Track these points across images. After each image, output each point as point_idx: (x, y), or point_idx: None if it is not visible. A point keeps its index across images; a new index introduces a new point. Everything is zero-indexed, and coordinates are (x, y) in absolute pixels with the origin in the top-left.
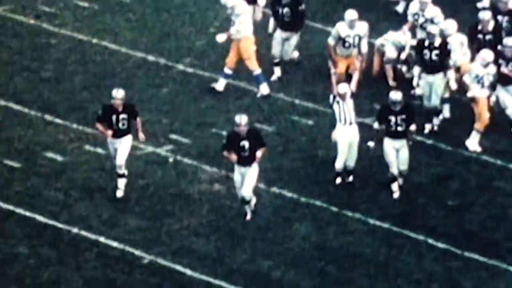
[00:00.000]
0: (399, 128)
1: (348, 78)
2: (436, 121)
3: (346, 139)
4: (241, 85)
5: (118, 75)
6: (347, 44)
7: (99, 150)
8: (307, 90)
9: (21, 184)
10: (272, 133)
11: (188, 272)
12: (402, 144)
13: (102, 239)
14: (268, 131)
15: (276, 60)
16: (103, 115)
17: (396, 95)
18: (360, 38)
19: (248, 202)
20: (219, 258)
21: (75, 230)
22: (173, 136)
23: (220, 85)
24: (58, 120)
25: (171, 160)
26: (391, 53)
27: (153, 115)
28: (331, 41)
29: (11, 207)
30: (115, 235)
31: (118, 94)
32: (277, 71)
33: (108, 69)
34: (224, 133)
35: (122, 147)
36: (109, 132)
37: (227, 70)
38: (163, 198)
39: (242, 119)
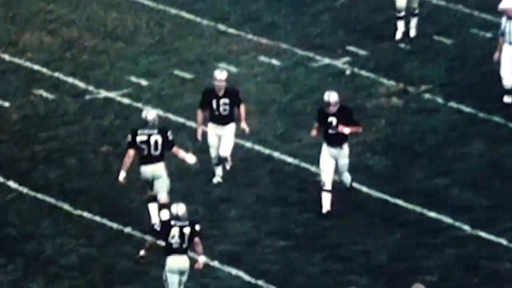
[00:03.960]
0: None
1: None
2: None
3: (509, 58)
4: None
5: None
6: None
7: (274, 61)
8: (486, 1)
9: (193, 96)
10: (450, 46)
11: (364, 189)
12: None
13: (276, 154)
14: (446, 43)
15: (401, 14)
16: (204, 99)
17: None
18: None
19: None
20: (395, 175)
21: (248, 144)
22: (350, 48)
23: None
24: (231, 30)
25: (347, 72)
26: None
27: (328, 27)
28: None
29: (182, 120)
30: (289, 150)
31: (222, 75)
32: (401, 26)
33: None
34: (402, 45)
35: (226, 138)
36: (200, 130)
37: None
38: None
39: (331, 97)
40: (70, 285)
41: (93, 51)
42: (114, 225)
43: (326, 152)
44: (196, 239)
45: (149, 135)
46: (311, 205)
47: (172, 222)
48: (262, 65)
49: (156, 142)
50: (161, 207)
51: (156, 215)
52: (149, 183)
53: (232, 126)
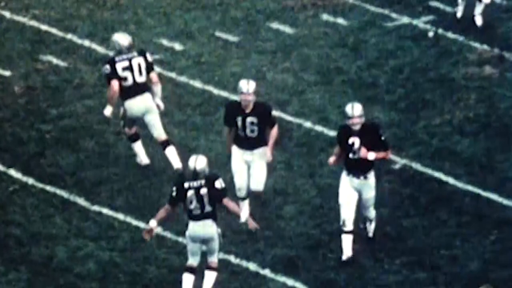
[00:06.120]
0: None
1: None
2: None
3: None
4: None
5: None
6: None
7: (340, 21)
8: None
9: (239, 63)
10: None
11: (451, 180)
12: None
13: None
14: None
15: None
16: (227, 115)
17: None
18: None
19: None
20: (488, 163)
21: (307, 124)
22: (434, 4)
23: None
24: None
25: (430, 34)
26: None
27: None
28: None
29: (225, 94)
30: None
31: (250, 86)
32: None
33: None
34: (498, 1)
35: (257, 168)
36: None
37: None
38: (420, 83)
39: (355, 110)
40: None
41: (115, 6)
42: (141, 225)
43: (347, 183)
44: (225, 200)
45: (130, 59)
46: (386, 200)
47: (186, 185)
48: (325, 25)
49: (139, 65)
50: (164, 145)
51: (144, 154)
52: (134, 120)
53: (263, 151)
